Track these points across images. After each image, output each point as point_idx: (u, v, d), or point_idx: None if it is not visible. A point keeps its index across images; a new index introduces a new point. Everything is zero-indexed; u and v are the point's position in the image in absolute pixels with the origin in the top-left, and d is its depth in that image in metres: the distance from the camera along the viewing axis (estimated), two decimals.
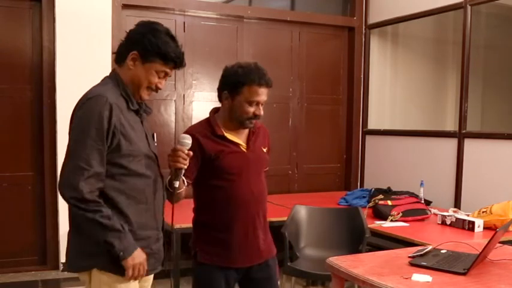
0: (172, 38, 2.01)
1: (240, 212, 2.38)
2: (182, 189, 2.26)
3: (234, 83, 2.36)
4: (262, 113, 2.38)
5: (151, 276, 2.16)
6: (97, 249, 1.92)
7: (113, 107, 1.89)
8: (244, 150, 2.42)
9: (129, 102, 1.99)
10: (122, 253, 1.89)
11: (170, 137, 4.99)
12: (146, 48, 1.96)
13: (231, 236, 2.37)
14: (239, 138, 2.43)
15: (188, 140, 2.12)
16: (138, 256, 1.94)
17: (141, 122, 2.07)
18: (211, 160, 2.34)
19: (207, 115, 2.58)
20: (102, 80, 2.06)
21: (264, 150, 2.52)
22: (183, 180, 2.23)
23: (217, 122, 2.42)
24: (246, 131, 2.46)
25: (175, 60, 1.99)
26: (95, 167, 1.86)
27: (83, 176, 1.85)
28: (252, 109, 2.35)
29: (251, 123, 2.39)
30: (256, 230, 2.43)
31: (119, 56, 2.03)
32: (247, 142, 2.43)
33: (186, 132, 2.35)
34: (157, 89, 2.03)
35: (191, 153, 2.12)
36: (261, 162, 2.49)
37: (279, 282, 2.61)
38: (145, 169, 1.99)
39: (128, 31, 2.04)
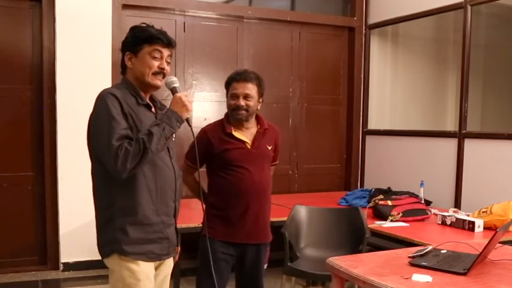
0: (150, 26, 2.19)
1: (241, 196, 2.74)
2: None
3: (225, 88, 2.86)
4: (241, 103, 2.74)
5: (168, 261, 2.28)
6: (114, 235, 2.07)
7: (120, 100, 2.05)
8: (249, 147, 2.79)
9: (137, 98, 2.13)
10: (168, 124, 2.07)
11: None
12: (131, 43, 2.16)
13: (232, 214, 2.74)
14: (246, 137, 2.81)
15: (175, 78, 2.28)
16: (172, 109, 2.12)
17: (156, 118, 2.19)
18: (219, 154, 2.75)
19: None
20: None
21: (269, 148, 2.87)
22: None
23: (229, 122, 2.83)
24: (254, 130, 2.84)
25: (158, 37, 2.14)
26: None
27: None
28: (233, 102, 2.77)
29: (238, 114, 2.76)
30: (255, 214, 2.78)
31: (122, 67, 2.22)
32: (253, 140, 2.81)
33: (201, 130, 2.88)
34: (162, 70, 2.15)
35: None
36: (262, 158, 2.84)
37: (265, 266, 2.96)
38: (157, 159, 2.12)
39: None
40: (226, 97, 2.84)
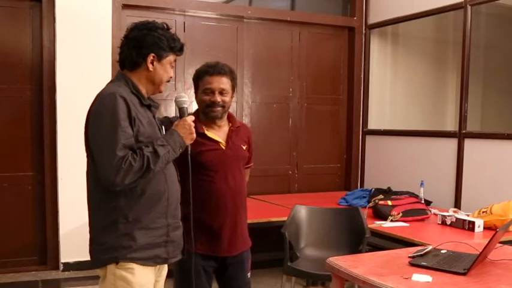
0: (169, 29, 2.16)
1: (218, 205, 2.51)
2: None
3: (194, 82, 2.63)
4: (218, 99, 2.50)
5: (166, 266, 2.22)
6: (119, 242, 1.98)
7: (128, 101, 1.97)
8: (223, 147, 2.55)
9: (141, 98, 2.07)
10: (172, 148, 2.03)
11: None
12: (160, 47, 2.08)
13: (211, 227, 2.52)
14: (219, 136, 2.57)
15: (186, 98, 2.25)
16: (179, 133, 2.09)
17: (154, 117, 2.16)
18: (192, 157, 2.35)
19: None
20: (110, 81, 2.14)
21: (244, 147, 2.64)
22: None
23: (199, 121, 2.52)
24: (226, 129, 2.60)
25: (181, 49, 2.15)
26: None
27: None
28: (207, 97, 2.52)
29: (213, 111, 2.52)
30: (234, 222, 2.57)
31: (132, 62, 2.09)
32: (227, 140, 2.57)
33: None
34: (170, 78, 2.17)
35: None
36: (238, 159, 2.61)
37: (249, 274, 2.73)
38: None
39: (128, 37, 2.11)
40: (196, 92, 2.59)
